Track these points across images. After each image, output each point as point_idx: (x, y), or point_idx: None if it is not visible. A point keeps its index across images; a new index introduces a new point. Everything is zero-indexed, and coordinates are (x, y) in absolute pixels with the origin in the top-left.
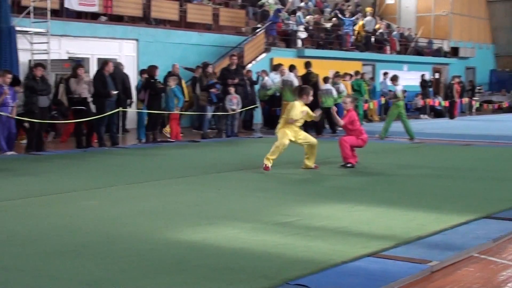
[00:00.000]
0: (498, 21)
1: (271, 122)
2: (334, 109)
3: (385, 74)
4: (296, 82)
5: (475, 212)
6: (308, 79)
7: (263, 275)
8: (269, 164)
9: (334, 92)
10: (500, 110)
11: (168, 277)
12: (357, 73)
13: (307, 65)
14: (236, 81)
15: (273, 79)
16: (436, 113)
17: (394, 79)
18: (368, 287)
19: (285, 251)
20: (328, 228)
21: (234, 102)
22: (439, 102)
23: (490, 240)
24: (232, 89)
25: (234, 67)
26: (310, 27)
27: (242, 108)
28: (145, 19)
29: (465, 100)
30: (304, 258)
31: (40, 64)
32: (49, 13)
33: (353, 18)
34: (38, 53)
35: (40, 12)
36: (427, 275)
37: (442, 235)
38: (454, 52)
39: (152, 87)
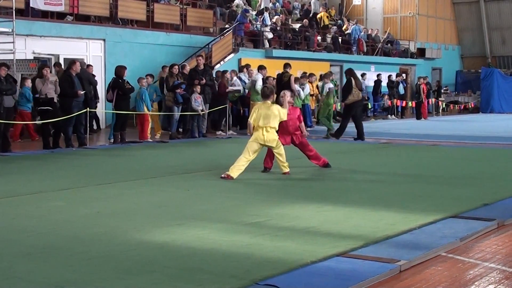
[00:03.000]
0: (464, 22)
1: (240, 123)
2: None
3: (363, 75)
4: (260, 82)
5: (443, 211)
6: (281, 79)
7: (232, 276)
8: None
9: (302, 94)
10: (466, 110)
11: (138, 278)
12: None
13: (285, 66)
14: (204, 81)
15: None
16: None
17: (325, 76)
18: (337, 287)
19: (254, 251)
20: (297, 228)
21: (199, 102)
22: (406, 102)
23: (457, 239)
24: (196, 89)
25: (201, 67)
26: (278, 28)
27: (211, 108)
28: (112, 19)
29: (432, 100)
30: (273, 258)
31: (3, 64)
32: (14, 13)
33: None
34: (3, 53)
35: (5, 12)
36: (395, 274)
37: (410, 234)
38: (421, 53)
39: (120, 87)
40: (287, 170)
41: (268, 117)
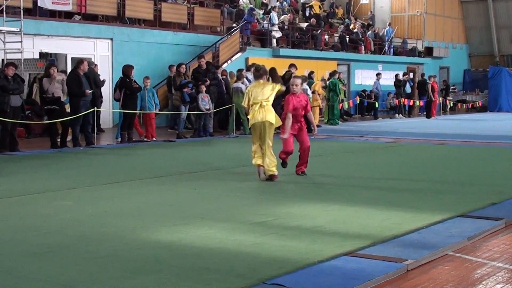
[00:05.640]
0: (472, 21)
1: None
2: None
3: (378, 74)
4: None
5: (450, 210)
6: (284, 77)
7: (239, 275)
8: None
9: (309, 92)
10: (474, 109)
11: (145, 277)
12: (334, 72)
13: (290, 66)
14: (208, 82)
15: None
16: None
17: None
18: (344, 286)
19: (261, 250)
20: (304, 228)
21: (206, 101)
22: (413, 101)
23: (465, 238)
24: (202, 88)
25: (204, 67)
26: (285, 27)
27: (217, 107)
28: (119, 18)
29: (439, 99)
30: (280, 258)
31: (11, 63)
32: (22, 12)
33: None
34: (11, 52)
35: (13, 11)
36: (403, 273)
37: (418, 233)
38: (428, 51)
39: (127, 86)
40: (275, 171)
41: (263, 94)
